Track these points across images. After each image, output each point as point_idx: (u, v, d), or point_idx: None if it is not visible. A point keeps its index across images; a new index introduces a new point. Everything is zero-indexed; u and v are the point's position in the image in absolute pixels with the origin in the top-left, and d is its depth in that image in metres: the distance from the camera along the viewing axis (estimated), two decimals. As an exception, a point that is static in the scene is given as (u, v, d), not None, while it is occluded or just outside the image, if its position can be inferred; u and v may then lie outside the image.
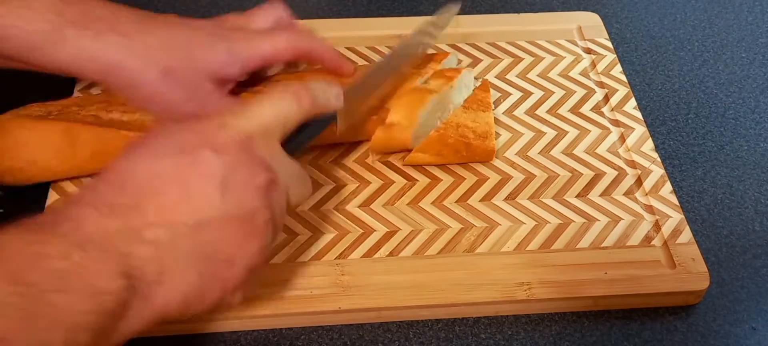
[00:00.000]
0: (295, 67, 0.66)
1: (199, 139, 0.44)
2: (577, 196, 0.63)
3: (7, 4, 0.51)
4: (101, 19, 0.52)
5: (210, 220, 0.42)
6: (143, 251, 0.40)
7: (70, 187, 0.61)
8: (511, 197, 0.63)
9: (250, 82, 0.62)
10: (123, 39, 0.52)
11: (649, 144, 0.67)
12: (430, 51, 0.70)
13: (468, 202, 0.62)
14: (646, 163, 0.66)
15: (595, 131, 0.68)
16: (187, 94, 0.55)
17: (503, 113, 0.70)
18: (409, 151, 0.63)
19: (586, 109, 0.70)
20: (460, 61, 0.73)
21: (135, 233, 0.40)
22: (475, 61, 0.74)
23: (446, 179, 0.64)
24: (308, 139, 0.52)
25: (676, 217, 0.61)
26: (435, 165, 0.64)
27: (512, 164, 0.65)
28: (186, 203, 0.42)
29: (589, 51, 0.76)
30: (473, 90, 0.67)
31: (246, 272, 0.44)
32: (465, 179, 0.64)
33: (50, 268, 0.36)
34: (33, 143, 0.58)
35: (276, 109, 0.47)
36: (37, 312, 0.35)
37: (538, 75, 0.74)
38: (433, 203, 0.62)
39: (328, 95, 0.52)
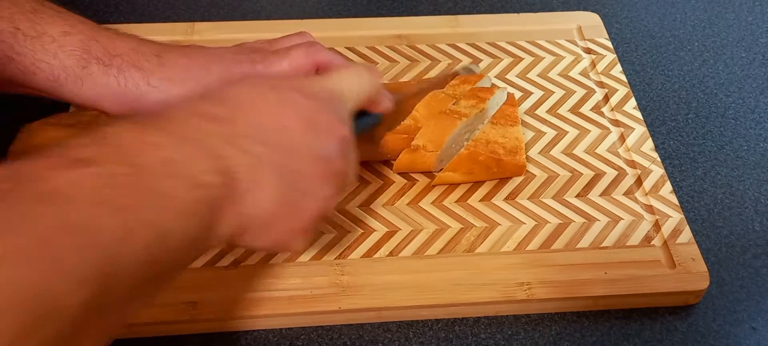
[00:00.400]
0: None
1: (290, 85, 0.47)
2: (577, 196, 0.63)
3: (40, 40, 0.53)
4: (123, 56, 0.54)
5: (296, 150, 0.45)
6: (237, 157, 0.42)
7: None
8: (511, 197, 0.63)
9: None
10: (143, 74, 0.54)
11: (649, 144, 0.67)
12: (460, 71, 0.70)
13: (468, 202, 0.62)
14: (646, 163, 0.66)
15: (595, 131, 0.68)
16: None
17: (503, 113, 0.70)
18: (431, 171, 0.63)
19: (586, 109, 0.70)
20: (494, 85, 0.71)
21: (230, 139, 0.42)
22: (475, 61, 0.74)
23: (446, 179, 0.64)
24: (360, 132, 0.53)
25: (676, 217, 0.61)
26: (464, 183, 0.63)
27: (512, 164, 0.65)
28: (277, 129, 0.44)
29: (589, 51, 0.76)
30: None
31: (316, 212, 0.46)
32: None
33: (158, 156, 0.39)
34: None
35: (353, 79, 0.51)
36: (151, 190, 0.37)
37: (538, 75, 0.74)
38: (433, 203, 0.62)
39: (385, 94, 0.55)
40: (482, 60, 0.74)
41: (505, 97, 0.67)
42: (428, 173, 0.64)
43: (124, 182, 0.36)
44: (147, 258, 0.36)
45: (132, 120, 0.41)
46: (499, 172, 0.62)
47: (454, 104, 0.63)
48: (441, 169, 0.62)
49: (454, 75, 0.68)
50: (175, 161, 0.39)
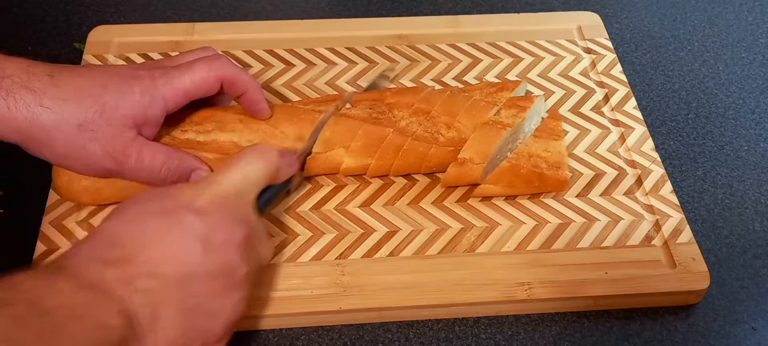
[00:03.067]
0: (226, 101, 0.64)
1: (178, 203, 0.47)
2: (578, 196, 0.63)
3: None
4: (12, 77, 0.51)
5: (195, 274, 0.45)
6: (138, 298, 0.43)
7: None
8: (511, 197, 0.63)
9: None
10: (35, 95, 0.51)
11: (650, 144, 0.67)
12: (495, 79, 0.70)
13: (468, 202, 0.62)
14: (646, 163, 0.66)
15: (595, 131, 0.68)
16: (104, 146, 0.53)
17: (503, 113, 0.70)
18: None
19: (586, 108, 0.70)
20: (528, 91, 0.71)
21: (129, 281, 0.43)
22: (475, 61, 0.74)
23: (446, 179, 0.64)
24: (270, 202, 0.56)
25: (676, 217, 0.61)
26: (504, 196, 0.63)
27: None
28: (172, 258, 0.45)
29: (589, 51, 0.76)
30: (544, 118, 0.66)
31: (226, 325, 0.48)
32: (465, 178, 0.64)
33: (63, 301, 0.40)
34: None
35: (246, 173, 0.51)
36: (56, 331, 0.39)
37: (538, 75, 0.74)
38: (433, 203, 0.62)
39: (286, 163, 0.56)
40: (482, 60, 0.74)
41: (544, 104, 0.67)
42: (430, 175, 0.64)
43: (31, 323, 0.38)
44: None
45: (33, 270, 0.43)
46: (540, 186, 0.62)
47: (495, 114, 0.63)
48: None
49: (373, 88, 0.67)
50: (79, 304, 0.41)
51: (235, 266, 0.47)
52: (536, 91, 0.72)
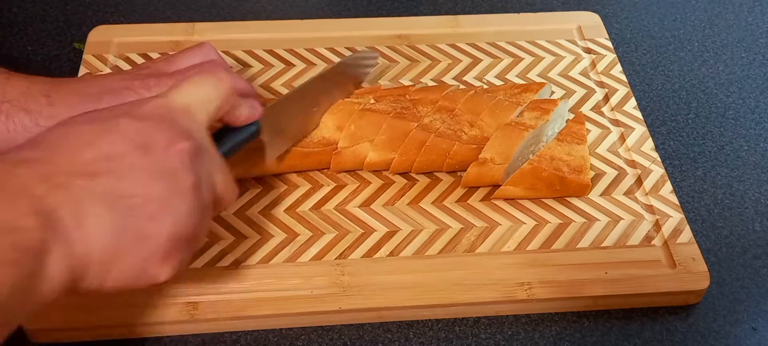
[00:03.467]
0: None
1: (118, 111, 0.44)
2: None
3: None
4: (12, 101, 0.53)
5: (129, 174, 0.41)
6: (55, 195, 0.39)
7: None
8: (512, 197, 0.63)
9: None
10: (32, 116, 0.53)
11: (650, 144, 0.67)
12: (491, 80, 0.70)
13: (468, 202, 0.62)
14: (646, 163, 0.66)
15: (595, 131, 0.68)
16: None
17: (503, 113, 0.70)
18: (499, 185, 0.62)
19: (586, 109, 0.70)
20: (553, 92, 0.71)
21: (46, 178, 0.39)
22: (475, 61, 0.74)
23: (446, 179, 0.64)
24: (232, 148, 0.51)
25: (676, 217, 0.61)
26: (526, 199, 0.62)
27: (512, 164, 0.65)
28: (103, 159, 0.41)
29: (589, 51, 0.76)
30: (567, 121, 0.66)
31: (171, 236, 0.42)
32: (465, 178, 0.64)
33: None
34: None
35: (196, 89, 0.47)
36: None
37: (538, 75, 0.73)
38: (433, 203, 0.62)
39: (248, 103, 0.51)
40: (482, 60, 0.74)
41: (568, 108, 0.67)
42: (429, 174, 0.64)
43: None
44: None
45: None
46: (561, 189, 0.61)
47: (518, 116, 0.63)
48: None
49: (352, 71, 0.66)
50: None
51: (179, 172, 0.42)
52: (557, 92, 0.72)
